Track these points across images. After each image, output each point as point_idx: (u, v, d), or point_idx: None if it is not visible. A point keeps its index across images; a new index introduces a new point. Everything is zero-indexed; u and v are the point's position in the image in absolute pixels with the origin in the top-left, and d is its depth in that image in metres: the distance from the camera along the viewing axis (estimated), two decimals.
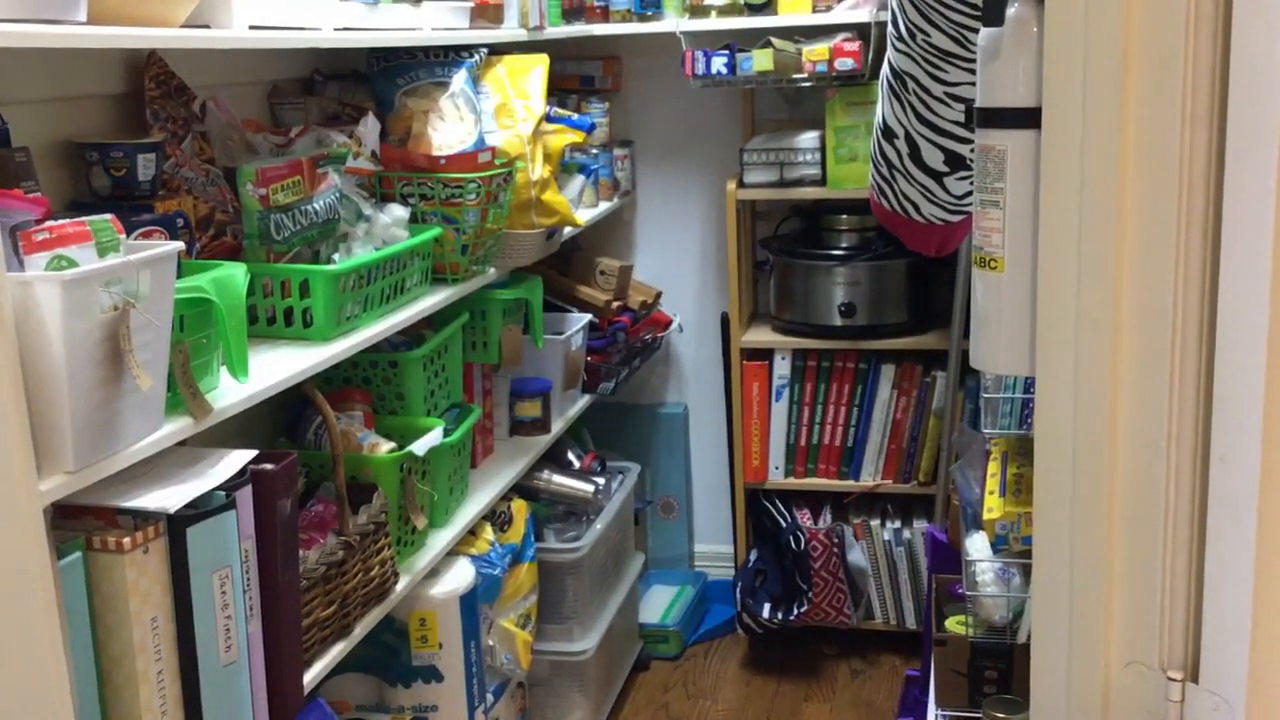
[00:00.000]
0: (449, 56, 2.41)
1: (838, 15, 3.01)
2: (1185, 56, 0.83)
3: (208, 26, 1.63)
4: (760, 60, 2.96)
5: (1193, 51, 0.83)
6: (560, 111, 2.81)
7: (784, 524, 3.24)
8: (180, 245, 1.39)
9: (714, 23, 3.10)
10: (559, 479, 2.85)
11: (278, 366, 1.68)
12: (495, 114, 2.43)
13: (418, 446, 2.00)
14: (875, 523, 3.24)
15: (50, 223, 1.24)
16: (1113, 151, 0.87)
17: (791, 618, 3.13)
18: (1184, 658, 0.89)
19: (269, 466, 1.52)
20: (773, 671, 3.25)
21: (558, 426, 2.78)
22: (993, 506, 1.85)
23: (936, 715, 1.93)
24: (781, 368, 3.22)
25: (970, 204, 1.13)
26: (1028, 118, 0.99)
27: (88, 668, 1.31)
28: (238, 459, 1.48)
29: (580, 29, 3.09)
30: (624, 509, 3.09)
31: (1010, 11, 1.01)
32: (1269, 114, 0.79)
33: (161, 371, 1.36)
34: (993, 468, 1.97)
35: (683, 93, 3.30)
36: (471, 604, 2.22)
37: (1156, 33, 0.84)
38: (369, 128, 2.15)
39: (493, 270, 2.41)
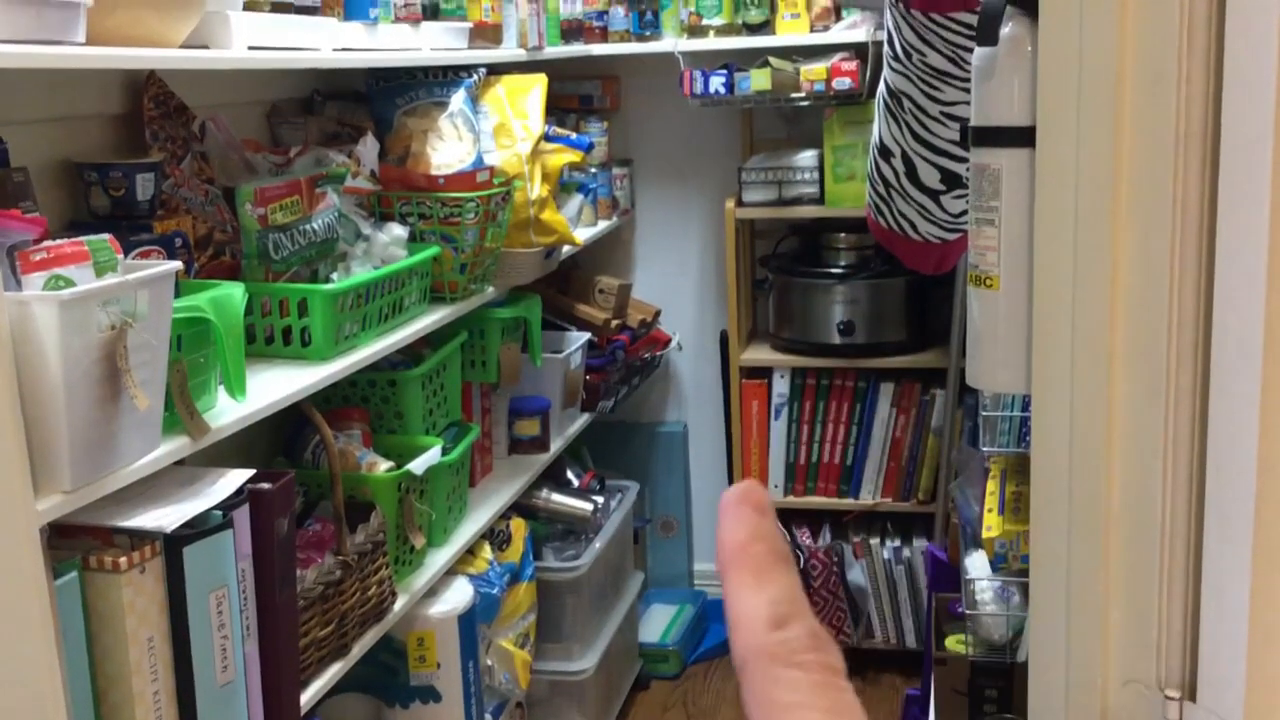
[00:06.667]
0: (448, 76, 2.42)
1: (835, 35, 3.02)
2: (1179, 75, 0.83)
3: (206, 47, 1.63)
4: (758, 80, 2.97)
5: (1186, 70, 0.83)
6: (559, 131, 2.82)
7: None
8: (178, 265, 1.40)
9: (712, 42, 3.12)
10: (558, 497, 2.85)
11: (276, 385, 1.68)
12: (494, 133, 2.43)
13: (416, 465, 2.00)
14: (875, 541, 3.23)
15: (48, 243, 1.24)
16: (1107, 169, 0.87)
17: None
18: (1182, 676, 0.89)
19: (266, 486, 1.51)
20: None
21: (556, 445, 2.77)
22: (992, 525, 1.85)
23: None
24: (780, 386, 3.22)
25: (967, 222, 1.14)
26: (1022, 136, 0.99)
27: (84, 687, 1.31)
28: (235, 478, 1.48)
29: (579, 49, 3.10)
30: (623, 527, 3.08)
31: (1004, 31, 1.01)
32: (1262, 131, 0.79)
33: (159, 391, 1.36)
34: (991, 485, 1.97)
35: (681, 112, 3.31)
36: (470, 623, 2.21)
37: (1150, 51, 0.84)
38: (368, 147, 2.15)
39: (491, 289, 2.42)
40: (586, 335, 2.94)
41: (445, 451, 2.15)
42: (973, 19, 1.16)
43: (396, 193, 2.19)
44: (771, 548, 0.29)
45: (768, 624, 0.28)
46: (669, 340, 3.39)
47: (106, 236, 1.30)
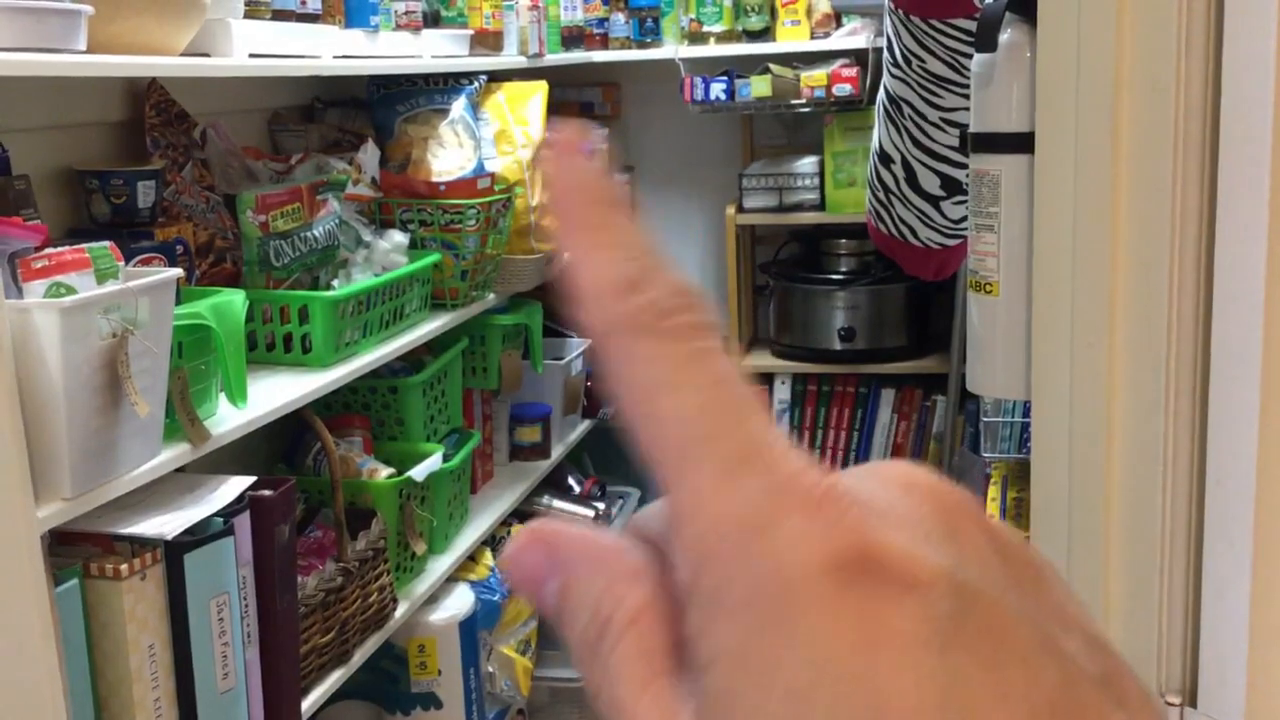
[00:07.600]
0: (449, 83, 2.42)
1: (835, 41, 3.02)
2: (1177, 81, 0.83)
3: (208, 55, 1.64)
4: (759, 86, 2.98)
5: (1184, 76, 0.83)
6: None
7: None
8: (179, 272, 1.40)
9: (713, 49, 3.12)
10: (559, 504, 2.84)
11: (277, 392, 1.68)
12: (495, 140, 2.44)
13: (417, 472, 2.00)
14: None
15: (49, 250, 1.24)
16: (1106, 175, 0.87)
17: None
18: (1182, 682, 0.89)
19: (267, 493, 1.51)
20: None
21: (558, 451, 2.77)
22: None
23: None
24: (782, 392, 3.22)
25: (967, 228, 1.14)
26: (1021, 142, 0.99)
27: (85, 695, 1.31)
28: (236, 485, 1.48)
29: (579, 56, 3.11)
30: None
31: (1003, 38, 1.01)
32: (1260, 137, 0.79)
33: (160, 398, 1.36)
34: (993, 492, 1.97)
35: (682, 119, 3.31)
36: (471, 630, 2.21)
37: (1148, 58, 0.84)
38: (369, 154, 2.16)
39: (492, 295, 2.42)
40: (587, 341, 2.94)
41: (446, 458, 2.15)
42: (972, 25, 1.16)
43: (397, 199, 2.19)
44: (598, 194, 0.23)
45: (620, 288, 0.23)
46: None
47: (107, 244, 1.30)
